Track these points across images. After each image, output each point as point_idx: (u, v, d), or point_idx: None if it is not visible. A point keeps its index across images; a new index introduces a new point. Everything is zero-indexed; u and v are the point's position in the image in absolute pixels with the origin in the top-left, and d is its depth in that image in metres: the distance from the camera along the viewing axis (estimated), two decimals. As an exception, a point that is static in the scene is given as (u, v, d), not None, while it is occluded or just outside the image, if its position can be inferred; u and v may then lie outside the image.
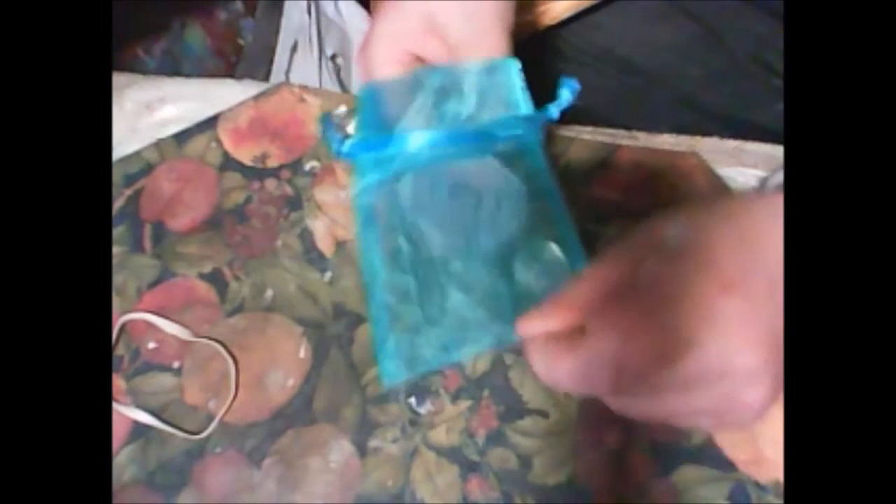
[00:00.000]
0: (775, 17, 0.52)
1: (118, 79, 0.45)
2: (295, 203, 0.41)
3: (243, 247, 0.40)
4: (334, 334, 0.38)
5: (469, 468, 0.35)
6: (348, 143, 0.32)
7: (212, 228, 0.41)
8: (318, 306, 0.38)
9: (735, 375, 0.25)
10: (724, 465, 0.34)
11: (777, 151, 0.41)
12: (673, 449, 0.35)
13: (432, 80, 0.34)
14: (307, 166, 0.42)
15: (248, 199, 0.41)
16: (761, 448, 0.34)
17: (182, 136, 0.43)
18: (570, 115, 0.43)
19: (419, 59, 0.35)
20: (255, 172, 0.42)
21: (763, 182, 0.33)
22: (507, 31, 0.35)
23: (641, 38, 0.56)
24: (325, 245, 0.40)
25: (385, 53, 0.34)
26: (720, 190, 0.40)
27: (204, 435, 0.35)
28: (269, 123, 0.43)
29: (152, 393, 0.37)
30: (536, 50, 0.56)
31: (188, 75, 0.46)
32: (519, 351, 0.35)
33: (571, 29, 0.55)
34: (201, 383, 0.37)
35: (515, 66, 0.34)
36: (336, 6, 0.82)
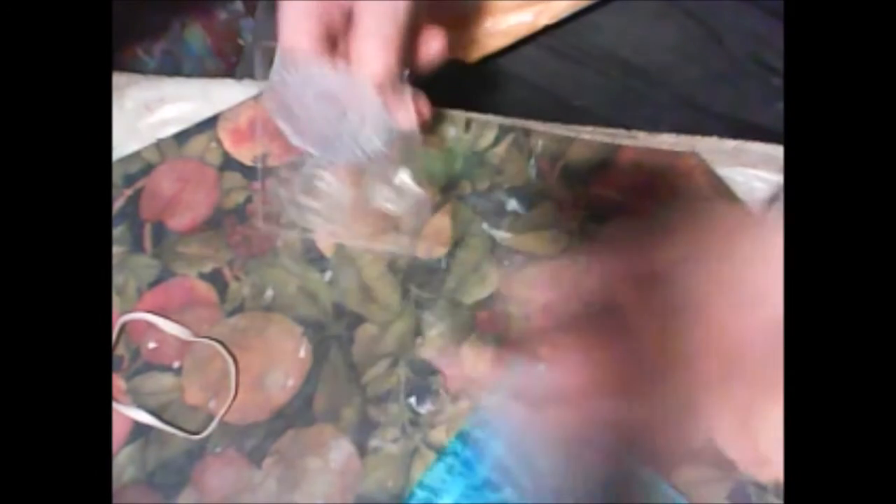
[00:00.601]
0: (775, 17, 0.52)
1: (118, 79, 0.45)
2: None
3: (243, 247, 0.40)
4: (334, 334, 0.38)
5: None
6: None
7: (212, 228, 0.41)
8: (318, 306, 0.38)
9: None
10: (724, 465, 0.34)
11: (777, 151, 0.41)
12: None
13: None
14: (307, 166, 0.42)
15: (248, 199, 0.41)
16: (761, 448, 0.34)
17: (182, 136, 0.43)
18: (570, 115, 0.43)
19: (328, 26, 0.35)
20: (255, 172, 0.42)
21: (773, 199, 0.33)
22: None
23: (641, 38, 0.56)
24: (325, 245, 0.40)
25: (296, 16, 0.34)
26: (720, 190, 0.40)
27: (204, 435, 0.35)
28: (269, 123, 0.43)
29: (152, 393, 0.37)
30: (535, 49, 0.56)
31: (188, 75, 0.46)
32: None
33: (570, 28, 0.55)
34: (201, 383, 0.37)
35: None
36: (336, 6, 0.82)
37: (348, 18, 0.35)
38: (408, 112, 0.36)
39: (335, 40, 0.35)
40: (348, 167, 0.36)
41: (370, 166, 0.35)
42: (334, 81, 0.34)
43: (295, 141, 0.34)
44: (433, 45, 0.38)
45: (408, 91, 0.35)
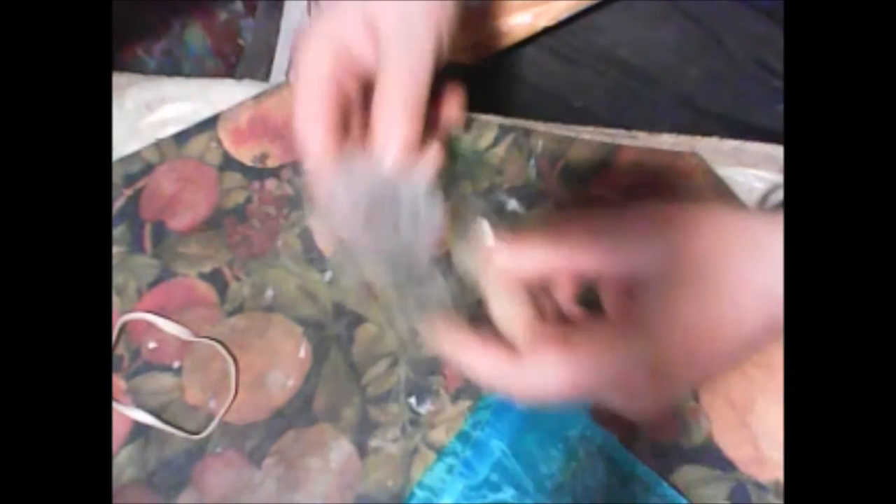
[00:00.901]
0: (773, 18, 0.52)
1: (118, 79, 0.45)
2: (295, 203, 0.41)
3: (243, 247, 0.40)
4: (334, 334, 0.38)
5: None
6: None
7: (212, 228, 0.41)
8: (318, 306, 0.38)
9: None
10: (724, 465, 0.34)
11: (777, 151, 0.41)
12: (673, 449, 0.35)
13: None
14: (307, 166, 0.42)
15: (248, 199, 0.41)
16: (761, 448, 0.34)
17: (182, 136, 0.43)
18: (570, 116, 0.43)
19: (350, 58, 0.34)
20: (255, 172, 0.42)
21: (764, 198, 0.33)
22: (440, 42, 0.34)
23: (640, 39, 0.56)
24: (324, 245, 0.40)
25: (320, 38, 0.34)
26: (720, 190, 0.40)
27: (204, 435, 0.35)
28: (269, 123, 0.43)
29: (152, 393, 0.37)
30: (536, 51, 0.56)
31: (188, 75, 0.46)
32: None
33: (570, 29, 0.55)
34: (201, 383, 0.37)
35: None
36: (336, 6, 0.82)
37: (366, 88, 0.35)
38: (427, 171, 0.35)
39: (349, 120, 0.35)
40: None
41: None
42: (379, 183, 0.34)
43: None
44: (453, 105, 0.38)
45: (432, 149, 0.35)
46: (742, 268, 0.28)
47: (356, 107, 0.35)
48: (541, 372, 0.28)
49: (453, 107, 0.38)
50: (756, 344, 0.29)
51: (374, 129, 0.33)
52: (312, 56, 0.34)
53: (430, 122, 0.35)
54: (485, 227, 0.33)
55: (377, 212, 0.33)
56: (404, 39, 0.34)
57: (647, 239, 0.29)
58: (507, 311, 0.30)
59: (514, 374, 0.29)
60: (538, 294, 0.31)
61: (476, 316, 0.33)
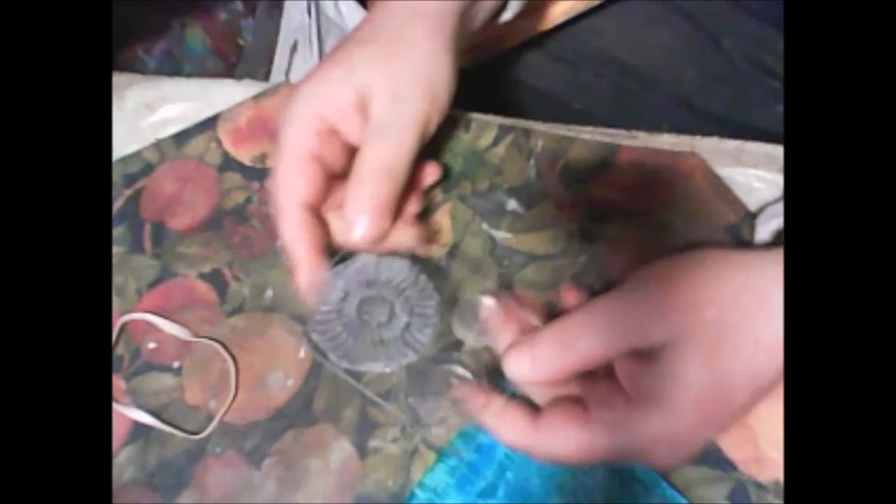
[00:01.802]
0: (770, 20, 0.52)
1: (118, 79, 0.45)
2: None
3: (243, 247, 0.40)
4: (334, 334, 0.38)
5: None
6: None
7: (212, 228, 0.41)
8: (318, 306, 0.38)
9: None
10: (724, 465, 0.34)
11: (777, 151, 0.41)
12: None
13: None
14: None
15: (248, 199, 0.41)
16: (761, 448, 0.34)
17: (182, 136, 0.43)
18: (569, 118, 0.43)
19: (334, 134, 0.34)
20: (255, 172, 0.42)
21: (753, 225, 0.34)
22: (429, 119, 0.35)
23: (638, 41, 0.56)
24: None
25: (305, 113, 0.34)
26: (720, 190, 0.40)
27: (204, 435, 0.35)
28: (269, 123, 0.43)
29: (152, 393, 0.37)
30: (534, 53, 0.56)
31: (188, 75, 0.46)
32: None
33: (568, 32, 0.55)
34: (201, 383, 0.37)
35: None
36: (336, 6, 0.82)
37: (349, 155, 0.35)
38: (415, 240, 0.35)
39: (331, 182, 0.35)
40: None
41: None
42: (371, 269, 0.35)
43: (345, 364, 0.33)
44: (429, 178, 0.38)
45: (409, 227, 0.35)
46: (753, 328, 0.29)
47: (339, 174, 0.35)
48: (559, 440, 0.30)
49: (430, 179, 0.38)
50: (769, 391, 0.30)
51: (348, 200, 0.33)
52: (295, 132, 0.34)
53: (406, 199, 0.36)
54: (485, 301, 0.34)
55: (371, 304, 0.34)
56: (393, 124, 0.34)
57: (656, 316, 0.30)
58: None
59: (533, 439, 0.30)
60: None
61: (495, 376, 0.34)
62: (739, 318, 0.29)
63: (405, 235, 0.35)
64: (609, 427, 0.29)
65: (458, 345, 0.36)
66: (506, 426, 0.31)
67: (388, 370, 0.34)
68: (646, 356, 0.29)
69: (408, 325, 0.34)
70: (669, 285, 0.30)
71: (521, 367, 0.31)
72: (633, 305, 0.30)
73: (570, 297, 0.35)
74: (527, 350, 0.30)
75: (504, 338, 0.33)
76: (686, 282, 0.30)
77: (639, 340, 0.29)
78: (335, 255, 0.34)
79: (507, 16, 0.43)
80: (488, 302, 0.34)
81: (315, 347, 0.34)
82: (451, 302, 0.36)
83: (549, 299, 0.38)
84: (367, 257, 0.35)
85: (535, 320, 0.33)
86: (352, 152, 0.35)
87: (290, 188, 0.34)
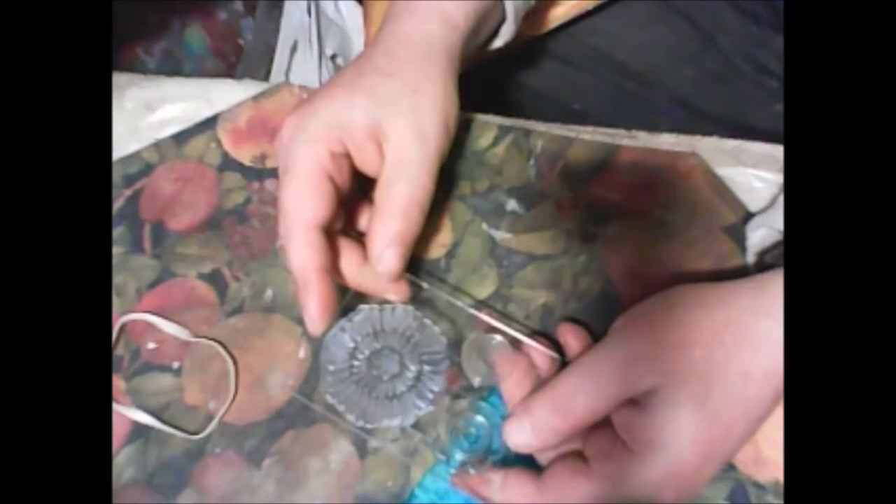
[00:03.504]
0: (768, 20, 0.52)
1: (118, 79, 0.45)
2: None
3: (243, 247, 0.40)
4: (334, 334, 0.38)
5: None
6: None
7: (212, 228, 0.41)
8: (317, 306, 0.38)
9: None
10: (724, 464, 0.34)
11: (777, 151, 0.41)
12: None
13: None
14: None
15: (248, 200, 0.41)
16: (761, 448, 0.34)
17: (182, 136, 0.43)
18: (568, 118, 0.44)
19: (348, 160, 0.34)
20: (255, 172, 0.42)
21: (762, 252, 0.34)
22: (446, 147, 0.35)
23: (636, 41, 0.56)
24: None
25: (323, 134, 0.33)
26: (720, 190, 0.40)
27: (204, 435, 0.35)
28: (268, 123, 0.43)
29: (152, 393, 0.37)
30: (533, 54, 0.56)
31: (188, 75, 0.46)
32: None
33: (567, 32, 0.55)
34: (201, 383, 0.37)
35: None
36: (336, 6, 0.82)
37: (355, 180, 0.35)
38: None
39: (338, 212, 0.34)
40: None
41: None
42: (376, 319, 0.35)
43: (362, 424, 0.34)
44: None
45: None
46: (740, 363, 0.29)
47: (346, 196, 0.35)
48: (566, 497, 0.30)
49: None
50: (767, 416, 0.30)
51: (377, 235, 0.33)
52: (311, 150, 0.33)
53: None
54: (495, 340, 0.35)
55: (380, 357, 0.35)
56: (418, 161, 0.33)
57: (644, 364, 0.30)
58: None
59: (537, 497, 0.30)
60: None
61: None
62: (724, 355, 0.29)
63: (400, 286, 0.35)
64: (612, 478, 0.29)
65: (469, 390, 0.36)
66: (512, 496, 0.31)
67: (406, 424, 0.34)
68: (639, 403, 0.30)
69: (419, 375, 0.34)
70: (653, 331, 0.30)
71: (523, 439, 0.31)
72: (621, 357, 0.30)
73: (570, 336, 0.35)
74: (525, 420, 0.31)
75: (512, 382, 0.33)
76: (668, 325, 0.30)
77: (631, 390, 0.30)
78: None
79: (497, 44, 0.43)
80: (497, 339, 0.35)
81: (331, 408, 0.34)
82: (457, 342, 0.36)
83: (548, 299, 0.38)
84: (368, 308, 0.35)
85: (542, 364, 0.34)
86: (356, 178, 0.35)
87: (303, 208, 0.32)
